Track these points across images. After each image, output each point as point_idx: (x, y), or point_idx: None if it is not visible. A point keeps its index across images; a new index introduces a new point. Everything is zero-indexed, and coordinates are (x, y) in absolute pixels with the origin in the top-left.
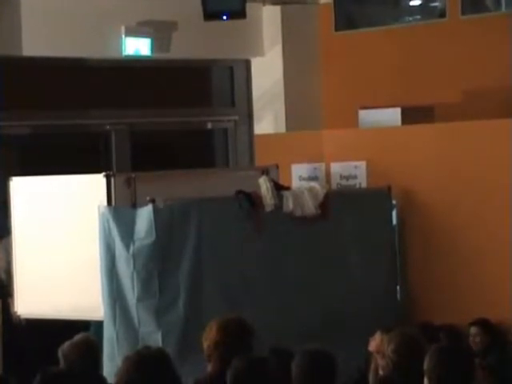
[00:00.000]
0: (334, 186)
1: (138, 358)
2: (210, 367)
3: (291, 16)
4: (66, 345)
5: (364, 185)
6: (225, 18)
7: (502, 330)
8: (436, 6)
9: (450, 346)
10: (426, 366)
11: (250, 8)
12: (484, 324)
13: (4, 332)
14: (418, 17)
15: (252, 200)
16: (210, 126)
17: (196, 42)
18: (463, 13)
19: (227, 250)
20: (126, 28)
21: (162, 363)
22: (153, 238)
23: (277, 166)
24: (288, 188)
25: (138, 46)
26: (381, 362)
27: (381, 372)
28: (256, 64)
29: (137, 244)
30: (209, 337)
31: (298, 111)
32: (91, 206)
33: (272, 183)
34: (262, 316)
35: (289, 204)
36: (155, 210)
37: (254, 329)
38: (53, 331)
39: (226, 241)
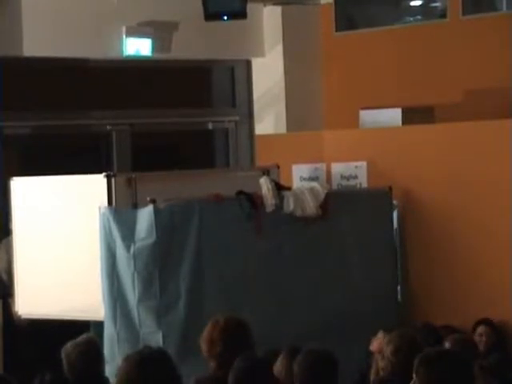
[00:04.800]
0: (334, 186)
1: (138, 357)
2: (210, 367)
3: (292, 16)
4: (69, 345)
5: (365, 185)
6: (225, 18)
7: (503, 330)
8: (437, 7)
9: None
10: (421, 370)
11: (250, 8)
12: (491, 324)
13: (5, 332)
14: (419, 17)
15: (253, 200)
16: (210, 126)
17: (197, 43)
18: (464, 13)
19: (228, 251)
20: (127, 28)
21: (163, 363)
22: (153, 238)
23: (277, 167)
24: (289, 188)
25: (138, 47)
26: (381, 363)
27: (381, 373)
28: (257, 64)
29: (137, 244)
30: (208, 338)
31: (299, 111)
32: (92, 206)
33: (273, 183)
34: (262, 316)
35: (289, 204)
36: (156, 211)
37: (254, 329)
38: (53, 331)
39: (226, 241)
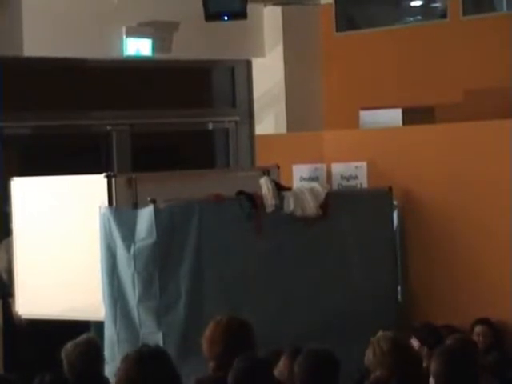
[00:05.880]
0: (334, 186)
1: (137, 356)
2: (209, 367)
3: (292, 17)
4: (69, 345)
5: (365, 185)
6: (226, 18)
7: (502, 330)
8: (437, 7)
9: (455, 347)
10: (432, 368)
11: (250, 9)
12: (489, 323)
13: (5, 332)
14: (419, 17)
15: (253, 200)
16: (210, 126)
17: (197, 43)
18: (464, 13)
19: (228, 251)
20: (127, 28)
21: (162, 361)
22: (153, 238)
23: (278, 167)
24: (289, 188)
25: (138, 47)
26: (374, 366)
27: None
28: (257, 65)
29: (138, 245)
30: (210, 337)
31: (299, 112)
32: (92, 206)
33: (273, 184)
34: (262, 316)
35: (290, 204)
36: (156, 211)
37: (254, 329)
38: (53, 331)
39: (226, 241)
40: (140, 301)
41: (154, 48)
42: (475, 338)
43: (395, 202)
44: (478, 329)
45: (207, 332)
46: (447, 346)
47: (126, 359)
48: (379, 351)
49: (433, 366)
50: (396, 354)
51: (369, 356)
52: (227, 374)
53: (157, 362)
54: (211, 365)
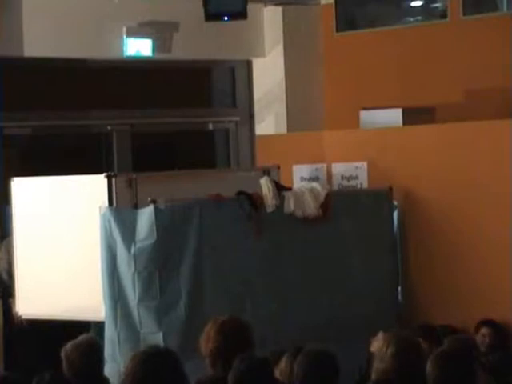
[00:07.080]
0: (335, 186)
1: (145, 356)
2: (211, 369)
3: (292, 17)
4: (69, 345)
5: (365, 185)
6: (226, 18)
7: (504, 330)
8: (437, 7)
9: (449, 351)
10: (427, 370)
11: (251, 9)
12: (494, 325)
13: (5, 333)
14: (420, 17)
15: (253, 201)
16: (211, 126)
17: (197, 43)
18: (464, 13)
19: (228, 251)
20: (128, 29)
21: (168, 361)
22: (154, 238)
23: (278, 167)
24: (289, 189)
25: (139, 47)
26: (380, 365)
27: (380, 375)
28: (257, 65)
29: (138, 245)
30: (205, 335)
31: (300, 112)
32: (92, 206)
33: (273, 184)
34: (262, 316)
35: (290, 205)
36: (156, 211)
37: (254, 329)
38: (53, 331)
39: (226, 241)
40: (140, 301)
41: (154, 48)
42: (480, 339)
43: (395, 202)
44: (484, 330)
45: (205, 329)
46: (443, 349)
47: (133, 358)
48: (385, 349)
49: (428, 369)
50: (401, 355)
51: (374, 345)
52: (227, 374)
53: (163, 361)
54: (207, 361)
